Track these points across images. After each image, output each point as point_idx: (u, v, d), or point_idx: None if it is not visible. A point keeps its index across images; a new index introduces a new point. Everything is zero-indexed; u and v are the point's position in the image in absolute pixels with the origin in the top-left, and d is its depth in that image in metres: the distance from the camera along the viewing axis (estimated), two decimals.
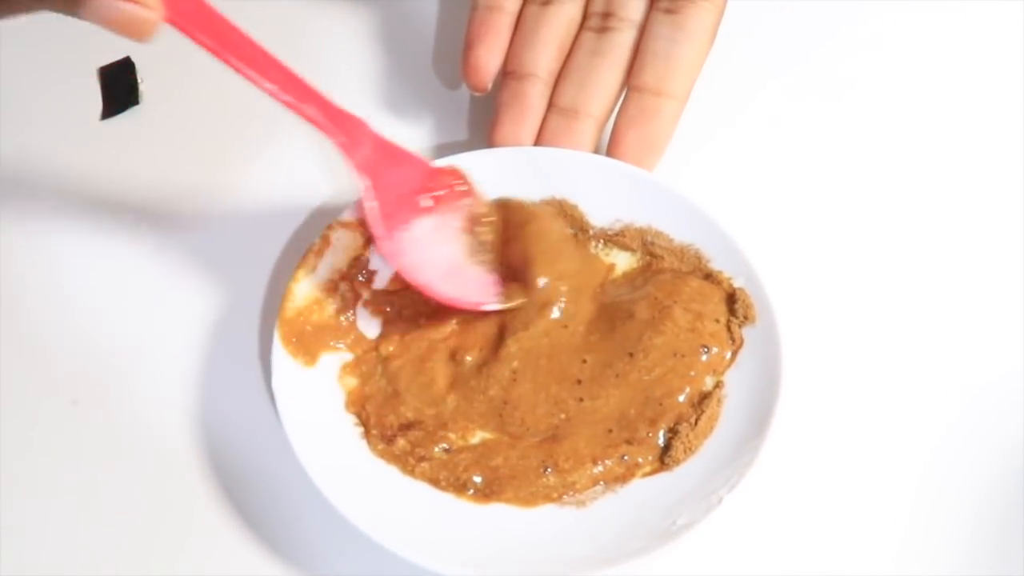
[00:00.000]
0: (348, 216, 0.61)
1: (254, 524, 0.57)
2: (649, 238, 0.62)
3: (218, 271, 0.63)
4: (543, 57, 0.65)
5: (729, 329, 0.59)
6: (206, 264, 0.64)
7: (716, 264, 0.60)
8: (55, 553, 0.57)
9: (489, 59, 0.65)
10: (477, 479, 0.56)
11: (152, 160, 0.67)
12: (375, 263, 0.61)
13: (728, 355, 0.58)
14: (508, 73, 0.65)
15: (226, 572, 0.56)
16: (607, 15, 0.65)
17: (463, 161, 0.63)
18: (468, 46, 0.65)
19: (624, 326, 0.59)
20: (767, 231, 0.63)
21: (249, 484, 0.58)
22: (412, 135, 0.68)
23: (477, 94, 0.66)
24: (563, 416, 0.57)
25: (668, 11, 0.63)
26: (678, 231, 0.61)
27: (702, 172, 0.66)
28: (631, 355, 0.58)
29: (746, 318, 0.58)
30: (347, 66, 0.71)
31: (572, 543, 0.55)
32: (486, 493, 0.56)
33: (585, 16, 0.66)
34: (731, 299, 0.59)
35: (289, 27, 0.72)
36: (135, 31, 0.48)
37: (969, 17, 0.73)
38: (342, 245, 0.61)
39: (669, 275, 0.60)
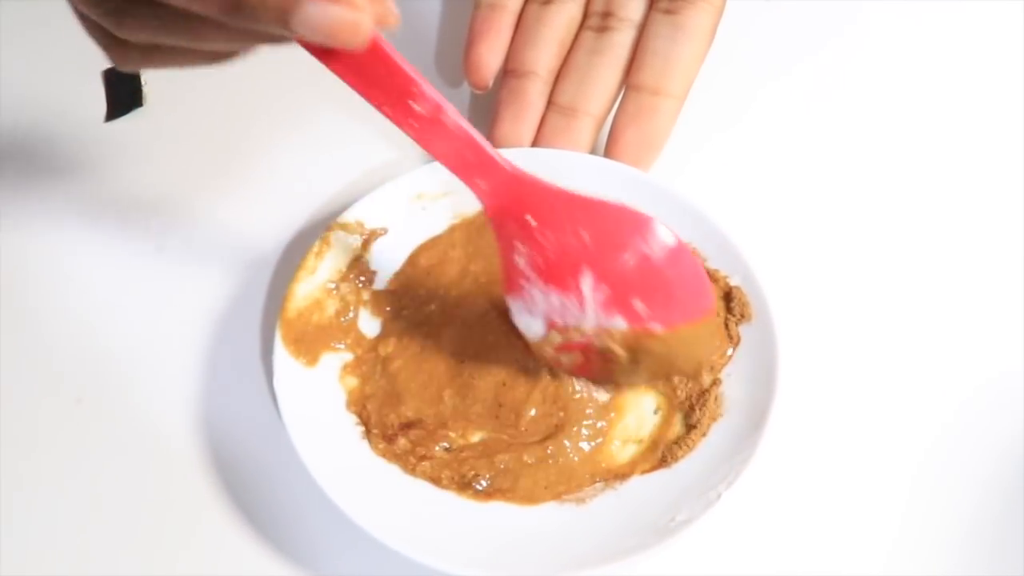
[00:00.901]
0: (347, 217, 0.62)
1: (257, 523, 0.57)
2: None
3: (220, 271, 0.64)
4: (543, 55, 0.65)
5: (726, 327, 0.59)
6: (208, 265, 0.64)
7: (712, 263, 0.61)
8: (59, 552, 0.57)
9: (490, 57, 0.66)
10: (478, 477, 0.57)
11: (155, 162, 0.68)
12: (375, 264, 0.62)
13: (729, 351, 0.59)
14: (509, 71, 0.66)
15: (229, 571, 0.56)
16: (607, 15, 0.65)
17: None
18: (470, 44, 0.66)
19: None
20: (764, 230, 0.64)
21: (251, 483, 0.58)
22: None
23: (478, 91, 0.66)
24: (562, 415, 0.58)
25: (667, 11, 0.64)
26: (675, 230, 0.61)
27: (699, 172, 0.66)
28: None
29: (742, 316, 0.59)
30: None
31: (572, 540, 0.55)
32: (487, 491, 0.57)
33: (585, 15, 0.67)
34: (728, 297, 0.60)
35: None
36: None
37: (969, 17, 0.73)
38: (342, 246, 0.61)
39: None
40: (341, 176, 0.66)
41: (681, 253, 0.53)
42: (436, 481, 0.57)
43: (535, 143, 0.65)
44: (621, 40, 0.65)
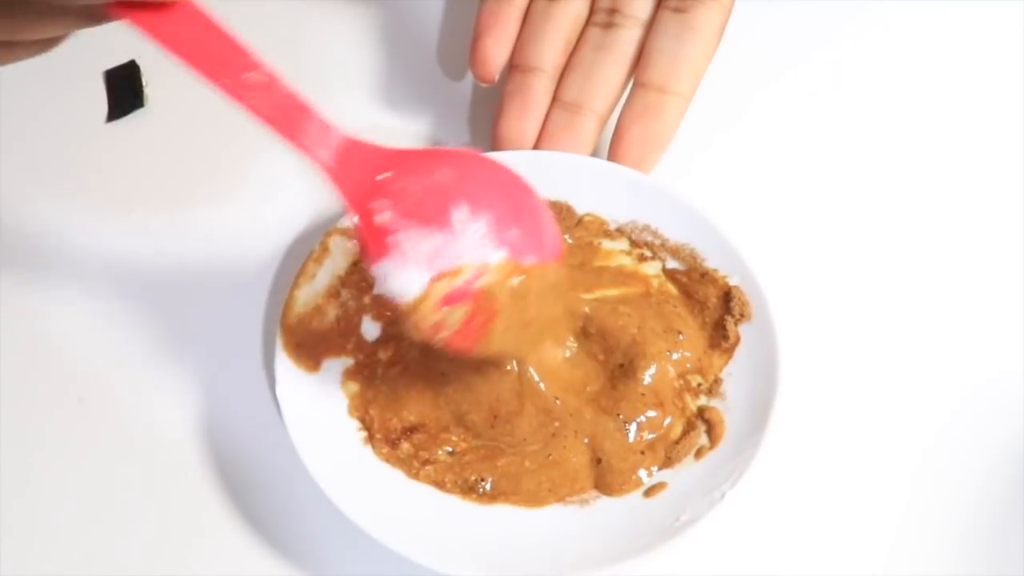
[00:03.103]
0: (346, 222, 0.62)
1: (260, 528, 0.58)
2: (647, 237, 0.63)
3: (219, 276, 0.65)
4: (549, 51, 0.66)
5: (725, 327, 0.60)
6: (209, 266, 0.65)
7: (711, 262, 0.61)
8: (59, 552, 0.58)
9: (496, 51, 0.66)
10: (482, 480, 0.58)
11: (156, 163, 0.69)
12: None
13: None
14: (514, 66, 0.67)
15: (232, 574, 0.58)
16: (613, 11, 0.66)
17: None
18: (476, 37, 0.67)
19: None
20: (764, 229, 0.65)
21: (254, 487, 0.59)
22: (414, 134, 0.70)
23: (483, 85, 0.67)
24: (556, 424, 0.59)
25: (676, 9, 0.64)
26: (674, 231, 0.62)
27: (701, 172, 0.67)
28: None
29: (742, 315, 0.60)
30: (349, 65, 0.72)
31: (577, 541, 0.56)
32: (492, 494, 0.58)
33: (592, 12, 0.67)
34: (727, 297, 0.60)
35: (290, 25, 0.73)
36: None
37: (969, 18, 0.73)
38: (341, 251, 0.62)
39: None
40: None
41: (530, 189, 0.53)
42: (440, 485, 0.58)
43: (539, 140, 0.65)
44: (627, 37, 0.65)
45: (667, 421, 0.59)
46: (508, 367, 0.59)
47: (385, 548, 0.54)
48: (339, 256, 0.62)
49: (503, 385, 0.59)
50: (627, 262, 0.63)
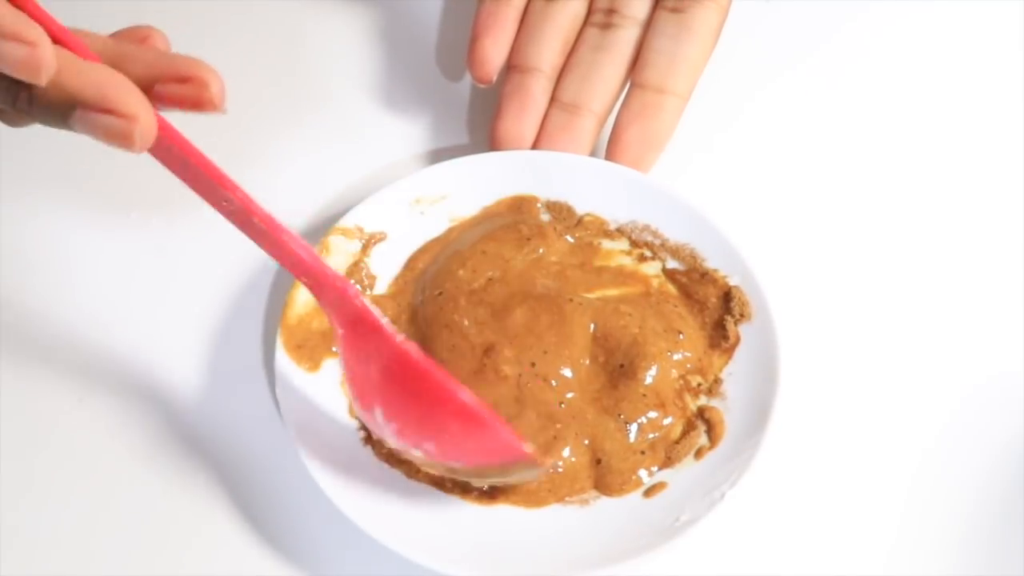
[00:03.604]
0: (346, 222, 0.62)
1: (260, 527, 0.58)
2: (647, 237, 0.63)
3: (220, 275, 0.65)
4: (547, 51, 0.67)
5: (725, 327, 0.60)
6: (209, 268, 0.65)
7: (711, 262, 0.62)
8: (59, 552, 0.58)
9: (494, 51, 0.67)
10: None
11: (155, 163, 0.68)
12: (375, 268, 0.63)
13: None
14: (512, 66, 0.67)
15: (232, 574, 0.57)
16: (611, 11, 0.67)
17: (465, 164, 0.64)
18: (474, 38, 0.67)
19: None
20: (763, 229, 0.65)
21: (254, 487, 0.59)
22: (413, 137, 0.70)
23: (481, 86, 0.67)
24: (558, 426, 0.58)
25: (674, 10, 0.65)
26: (674, 231, 0.62)
27: (699, 171, 0.68)
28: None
29: (742, 315, 0.60)
30: (348, 65, 0.73)
31: (576, 541, 0.56)
32: (491, 494, 0.58)
33: (589, 12, 0.68)
34: (727, 297, 0.61)
35: (289, 26, 0.73)
36: (122, 142, 0.47)
37: (969, 18, 0.74)
38: (341, 251, 0.62)
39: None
40: (339, 181, 0.67)
41: (479, 422, 0.52)
42: (439, 485, 0.58)
43: (537, 140, 0.66)
44: (625, 37, 0.66)
45: (667, 421, 0.59)
46: (506, 373, 0.59)
47: (385, 548, 0.54)
48: (339, 256, 0.62)
49: (501, 391, 0.59)
50: (627, 262, 0.63)
